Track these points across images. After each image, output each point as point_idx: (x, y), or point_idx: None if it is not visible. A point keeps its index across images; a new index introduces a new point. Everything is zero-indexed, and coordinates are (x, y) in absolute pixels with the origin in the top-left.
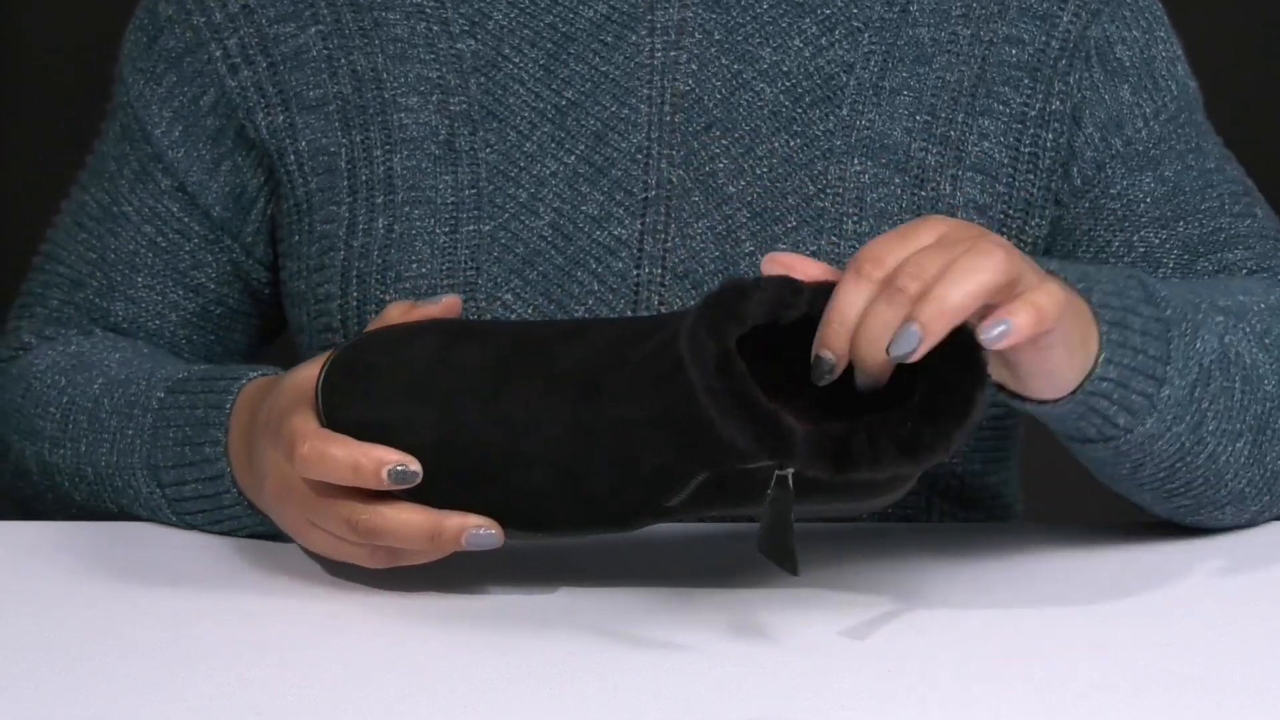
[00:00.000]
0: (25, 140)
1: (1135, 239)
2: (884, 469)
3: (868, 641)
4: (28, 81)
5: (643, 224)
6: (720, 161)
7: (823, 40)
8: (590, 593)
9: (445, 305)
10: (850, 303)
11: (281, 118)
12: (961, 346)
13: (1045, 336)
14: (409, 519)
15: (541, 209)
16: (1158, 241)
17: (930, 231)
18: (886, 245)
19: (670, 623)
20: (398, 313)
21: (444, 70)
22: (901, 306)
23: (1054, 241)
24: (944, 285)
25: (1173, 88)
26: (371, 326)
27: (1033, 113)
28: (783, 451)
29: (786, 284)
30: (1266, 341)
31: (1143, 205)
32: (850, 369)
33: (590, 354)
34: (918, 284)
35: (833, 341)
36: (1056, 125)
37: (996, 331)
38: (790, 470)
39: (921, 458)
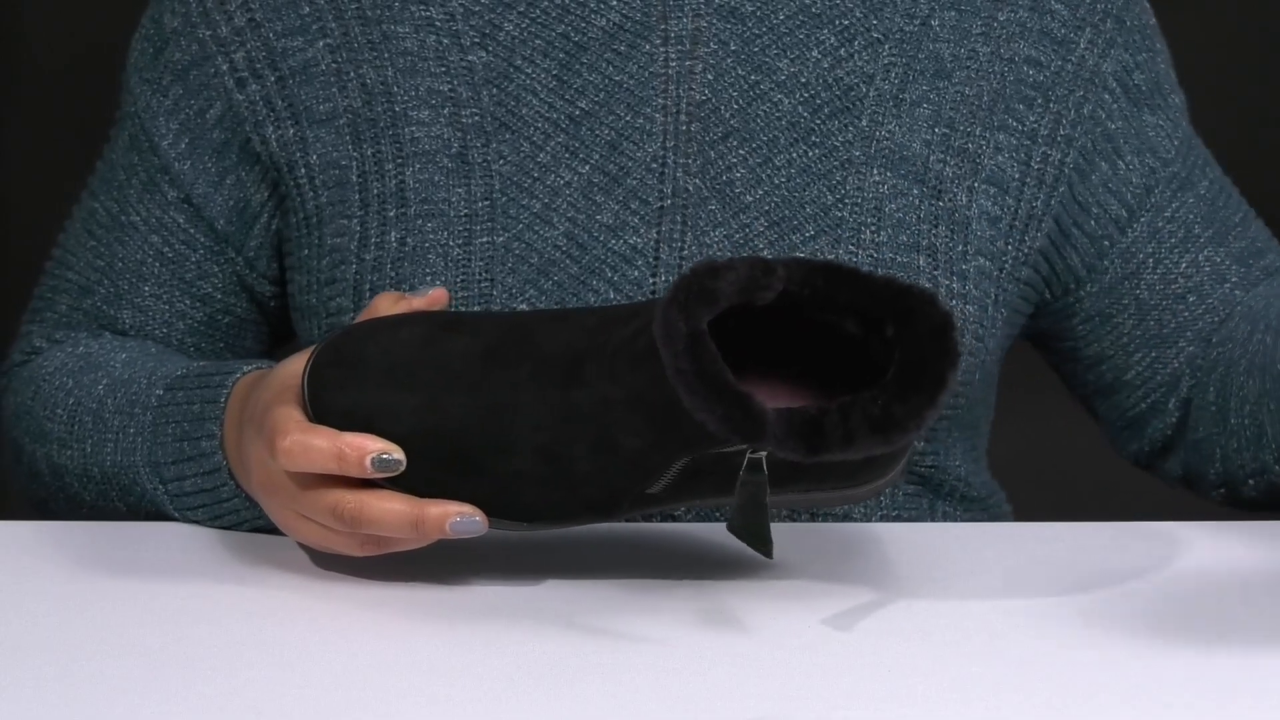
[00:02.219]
0: (25, 141)
1: (1200, 258)
2: (857, 449)
3: (868, 641)
4: (27, 82)
5: (658, 233)
6: (737, 171)
7: (841, 51)
8: (590, 593)
9: (431, 298)
10: None
11: (291, 131)
12: (934, 326)
13: None
14: (393, 508)
15: (556, 219)
16: (1219, 259)
17: None
18: None
19: (670, 622)
20: (387, 303)
21: (455, 83)
22: None
23: (1108, 266)
24: None
25: (1175, 100)
26: (361, 317)
27: (1044, 131)
28: (753, 433)
29: (758, 264)
30: None
31: (1197, 226)
32: (818, 345)
33: (573, 338)
34: None
35: None
36: (1064, 146)
37: None
38: (764, 453)
39: (893, 437)
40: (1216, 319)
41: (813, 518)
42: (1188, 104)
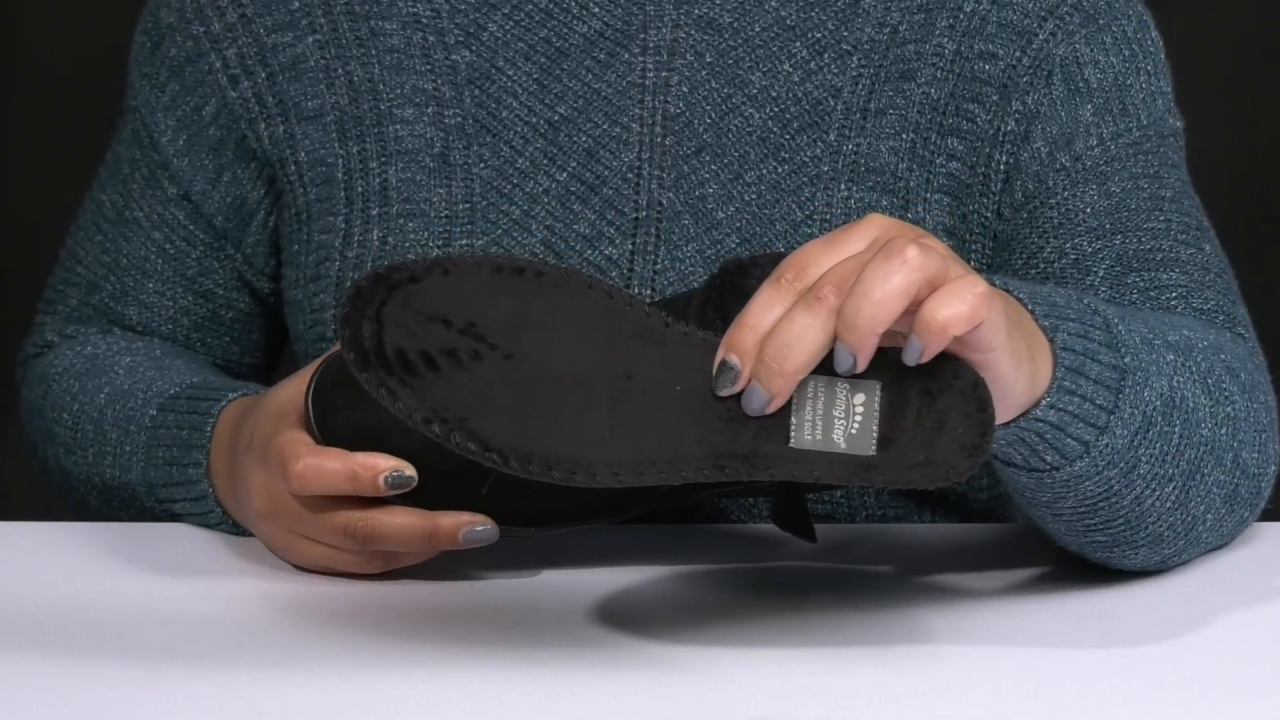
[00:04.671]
0: (25, 141)
1: (1068, 246)
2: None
3: (868, 641)
4: (27, 82)
5: (633, 244)
6: (710, 186)
7: (812, 64)
8: (590, 593)
9: None
10: (763, 308)
11: (281, 128)
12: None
13: (981, 340)
14: (405, 522)
15: (534, 226)
16: (1090, 250)
17: (862, 236)
18: (812, 254)
19: (670, 622)
20: None
21: (439, 82)
22: (820, 316)
23: (993, 251)
24: (854, 298)
25: (1142, 117)
26: None
27: (990, 131)
28: None
29: (781, 260)
30: (1209, 382)
31: (1081, 215)
32: None
33: None
34: (837, 294)
35: (739, 342)
36: (1008, 146)
37: (911, 354)
38: None
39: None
40: None
41: (814, 518)
42: (1187, 103)
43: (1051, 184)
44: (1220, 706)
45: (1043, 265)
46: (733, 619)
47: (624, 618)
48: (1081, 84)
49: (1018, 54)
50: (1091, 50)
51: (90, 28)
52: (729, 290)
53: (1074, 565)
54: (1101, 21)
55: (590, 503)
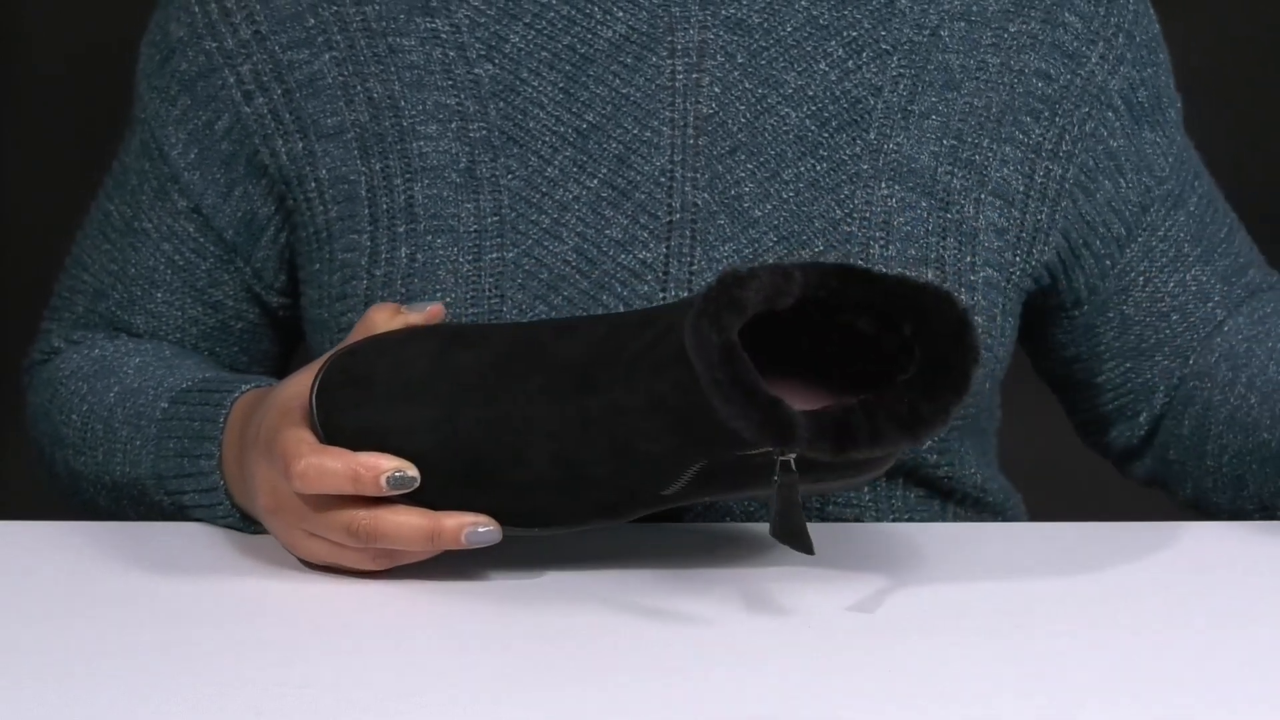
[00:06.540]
0: (25, 141)
1: (1188, 278)
2: (884, 446)
3: (868, 641)
4: (27, 82)
5: (668, 247)
6: (746, 185)
7: (849, 63)
8: (590, 593)
9: (429, 313)
10: None
11: (300, 145)
12: (953, 324)
13: None
14: (408, 521)
15: (565, 234)
16: (1205, 278)
17: None
18: None
19: (670, 622)
20: (384, 316)
21: (462, 97)
22: None
23: (1104, 284)
24: None
25: (1172, 114)
26: (357, 330)
27: (1048, 145)
28: (786, 437)
29: (779, 271)
30: None
31: (1186, 245)
32: (830, 343)
33: (585, 348)
34: None
35: None
36: (1065, 161)
37: None
38: (793, 455)
39: (921, 434)
40: (1196, 336)
41: (822, 518)
42: (1187, 103)
43: (1153, 215)
44: (1220, 706)
45: (1167, 299)
46: (732, 619)
47: (624, 618)
48: (1138, 108)
49: (1069, 76)
50: (1137, 70)
51: (90, 28)
52: (726, 304)
53: (1073, 566)
54: (1138, 38)
55: (592, 504)
